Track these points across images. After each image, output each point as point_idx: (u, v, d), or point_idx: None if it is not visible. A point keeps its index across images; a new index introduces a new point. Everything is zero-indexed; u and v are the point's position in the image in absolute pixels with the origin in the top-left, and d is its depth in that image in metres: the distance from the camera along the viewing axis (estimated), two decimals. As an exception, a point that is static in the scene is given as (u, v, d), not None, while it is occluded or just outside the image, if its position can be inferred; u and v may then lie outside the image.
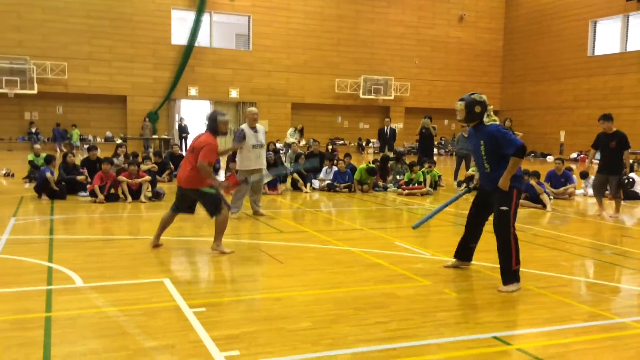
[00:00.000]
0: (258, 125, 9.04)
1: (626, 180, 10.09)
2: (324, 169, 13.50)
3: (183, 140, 28.21)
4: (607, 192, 10.77)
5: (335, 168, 13.35)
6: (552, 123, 31.79)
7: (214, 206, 6.46)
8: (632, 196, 12.86)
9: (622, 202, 12.00)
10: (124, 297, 4.88)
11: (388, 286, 5.39)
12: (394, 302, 4.88)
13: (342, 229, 8.59)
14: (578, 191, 13.26)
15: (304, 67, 30.95)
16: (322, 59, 31.20)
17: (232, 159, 9.25)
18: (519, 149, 5.18)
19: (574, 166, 17.36)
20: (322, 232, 8.18)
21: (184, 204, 6.74)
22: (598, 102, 28.79)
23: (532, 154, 31.51)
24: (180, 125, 28.90)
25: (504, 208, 5.32)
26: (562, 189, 12.78)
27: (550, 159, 29.45)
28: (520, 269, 5.44)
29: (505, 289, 5.25)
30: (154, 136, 28.03)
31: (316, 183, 13.28)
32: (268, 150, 17.78)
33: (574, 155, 29.28)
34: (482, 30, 34.51)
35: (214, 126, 6.53)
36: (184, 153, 16.55)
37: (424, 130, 15.19)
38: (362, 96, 31.64)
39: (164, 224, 6.81)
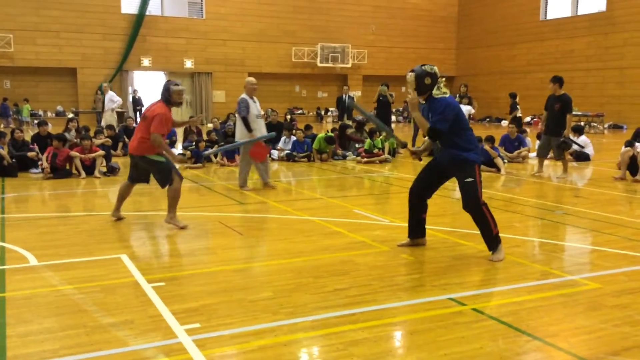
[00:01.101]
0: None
1: (564, 143, 10.38)
2: (283, 138, 13.45)
3: (137, 112, 27.61)
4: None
5: (293, 138, 13.30)
6: (506, 88, 32.20)
7: (164, 175, 6.37)
8: (583, 158, 13.25)
9: (574, 164, 12.35)
10: (80, 274, 4.80)
11: (347, 254, 5.45)
12: (353, 269, 4.94)
13: (301, 198, 8.61)
14: (531, 154, 13.57)
15: (260, 35, 30.50)
16: (278, 27, 30.78)
17: (248, 128, 8.81)
18: (429, 129, 5.07)
19: (527, 129, 17.71)
20: (282, 202, 8.18)
21: (138, 174, 6.65)
22: (551, 66, 29.33)
23: (487, 119, 32.02)
24: (134, 98, 28.25)
25: (469, 179, 5.22)
26: (515, 152, 13.08)
27: (504, 123, 29.96)
28: (474, 232, 5.55)
29: (497, 258, 5.19)
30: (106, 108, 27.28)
31: (275, 153, 13.23)
32: (227, 121, 17.61)
33: (527, 119, 29.85)
34: (437, -4, 34.55)
35: (167, 96, 6.39)
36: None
37: (381, 98, 15.23)
38: (319, 64, 31.45)
39: (122, 195, 6.75)
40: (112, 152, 12.54)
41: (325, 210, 7.62)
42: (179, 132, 16.00)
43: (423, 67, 5.28)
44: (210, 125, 18.76)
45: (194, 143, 12.96)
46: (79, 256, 5.34)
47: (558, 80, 10.27)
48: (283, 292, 4.38)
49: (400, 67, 33.19)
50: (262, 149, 8.88)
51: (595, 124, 25.22)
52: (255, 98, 9.03)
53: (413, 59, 33.64)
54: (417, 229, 5.66)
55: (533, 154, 13.72)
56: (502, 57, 32.49)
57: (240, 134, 8.92)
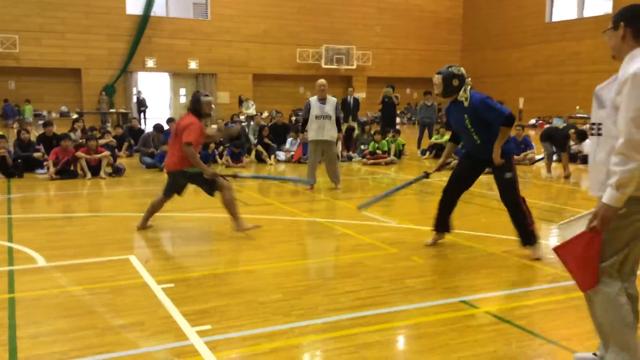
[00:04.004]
0: (330, 97, 9.10)
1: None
2: (289, 140, 13.42)
3: (142, 114, 27.63)
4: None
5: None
6: (512, 90, 32.19)
7: (208, 185, 6.11)
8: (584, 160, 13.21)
9: (581, 166, 12.31)
10: (89, 275, 4.78)
11: (356, 255, 5.42)
12: (363, 271, 4.92)
13: (308, 200, 8.57)
14: (538, 156, 13.52)
15: (264, 36, 30.47)
16: (282, 28, 30.76)
17: (302, 129, 9.18)
18: (507, 117, 5.05)
19: (532, 132, 17.66)
20: (288, 204, 8.16)
21: (176, 189, 6.32)
22: (557, 68, 29.25)
23: (492, 121, 31.97)
24: (138, 99, 28.26)
25: (508, 175, 5.25)
26: (522, 155, 13.02)
27: (509, 125, 29.87)
28: (482, 234, 5.53)
29: (534, 255, 5.20)
30: (112, 110, 27.35)
31: (281, 155, 13.20)
32: (232, 121, 17.60)
33: (532, 121, 29.79)
34: (442, -2, 34.50)
35: (198, 107, 6.12)
36: (143, 127, 16.21)
37: (386, 100, 15.20)
38: (324, 66, 31.40)
39: (154, 209, 6.38)
40: (117, 152, 12.55)
41: (332, 212, 7.59)
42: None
43: (450, 69, 5.26)
44: (214, 127, 18.75)
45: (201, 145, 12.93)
46: (87, 257, 5.32)
47: None
48: (293, 294, 4.35)
49: (404, 69, 33.16)
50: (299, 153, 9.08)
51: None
52: (328, 99, 9.09)
53: (417, 60, 33.63)
54: (446, 224, 5.69)
55: (539, 156, 13.67)
56: (509, 59, 32.39)
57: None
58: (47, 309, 4.03)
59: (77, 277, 4.71)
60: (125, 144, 13.61)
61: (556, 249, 2.95)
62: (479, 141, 5.30)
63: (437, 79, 5.27)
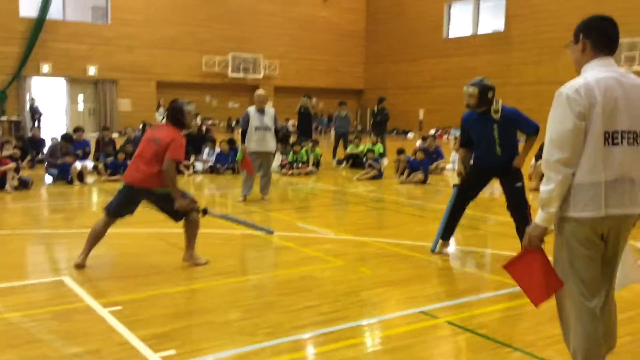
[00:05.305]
0: (268, 109, 8.90)
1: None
2: (206, 150, 13.12)
3: (36, 122, 25.95)
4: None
5: (217, 149, 13.02)
6: (412, 101, 33.44)
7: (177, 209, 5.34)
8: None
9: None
10: (24, 300, 4.39)
11: (305, 269, 5.36)
12: (316, 285, 4.87)
13: (240, 212, 8.40)
14: (448, 166, 14.08)
15: (168, 43, 29.64)
16: (187, 34, 30.07)
17: (243, 140, 8.87)
18: (538, 128, 5.45)
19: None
20: (219, 216, 7.94)
21: (129, 208, 5.46)
22: (453, 81, 30.67)
23: (395, 131, 33.00)
24: (32, 106, 26.52)
25: (519, 185, 5.57)
26: (434, 164, 13.51)
27: (410, 135, 31.06)
28: (420, 244, 5.70)
29: None
30: (3, 118, 25.47)
31: (198, 165, 12.87)
32: (142, 130, 16.92)
33: (432, 131, 31.07)
34: (345, 11, 35.22)
35: (180, 117, 5.37)
36: (42, 135, 15.18)
37: (302, 110, 15.26)
38: (230, 74, 31.04)
39: (97, 236, 5.36)
40: (20, 164, 11.66)
41: (268, 224, 7.46)
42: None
43: (483, 82, 5.48)
44: (115, 135, 18.00)
45: (109, 155, 12.34)
46: (16, 279, 4.89)
47: None
48: (253, 312, 4.23)
49: (311, 79, 33.48)
50: (248, 164, 8.74)
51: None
52: (267, 110, 8.91)
53: (323, 71, 34.11)
54: (452, 231, 5.92)
55: (449, 166, 14.27)
56: (409, 72, 33.63)
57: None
58: (-14, 341, 3.64)
59: (11, 303, 4.30)
60: (29, 157, 12.70)
61: (505, 267, 2.98)
62: (500, 152, 5.54)
63: (473, 90, 5.45)
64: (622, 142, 2.61)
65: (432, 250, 5.91)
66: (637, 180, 2.67)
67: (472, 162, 5.94)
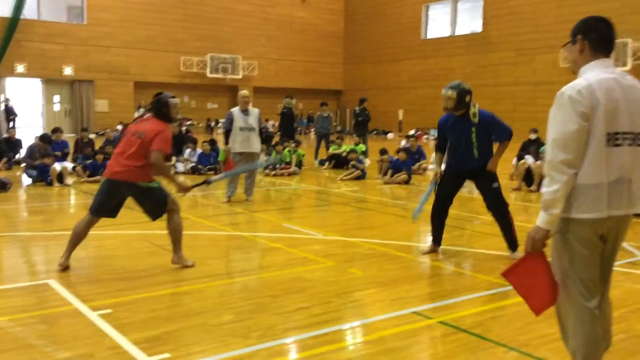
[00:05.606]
0: (252, 109, 8.90)
1: None
2: (188, 150, 13.00)
3: (11, 123, 25.48)
4: None
5: (199, 150, 12.91)
6: (391, 102, 33.58)
7: (159, 205, 5.26)
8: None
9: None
10: (10, 304, 4.29)
11: (294, 270, 5.33)
12: (308, 286, 4.85)
13: (226, 214, 8.34)
14: (430, 166, 14.15)
15: (146, 43, 29.34)
16: (165, 35, 29.81)
17: (226, 141, 8.85)
18: (511, 133, 5.63)
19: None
20: (205, 217, 7.88)
21: (113, 206, 5.31)
22: (431, 82, 30.88)
23: (375, 132, 33.11)
24: (6, 106, 26.03)
25: (495, 185, 5.68)
26: (417, 165, 13.57)
27: (390, 136, 31.18)
28: (407, 244, 5.75)
29: (516, 257, 5.55)
30: (-24, 118, 24.98)
31: (179, 166, 12.74)
32: (121, 130, 16.71)
33: (412, 132, 31.25)
34: (323, 11, 35.24)
35: (166, 111, 5.28)
36: (18, 136, 14.89)
37: (285, 110, 15.21)
38: (209, 75, 30.84)
39: (79, 236, 5.23)
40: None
41: (253, 225, 7.44)
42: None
43: (461, 85, 5.55)
44: (92, 136, 17.77)
45: (88, 157, 12.16)
46: (0, 283, 4.78)
47: None
48: (244, 313, 4.19)
49: (289, 80, 33.41)
50: (229, 166, 8.84)
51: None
52: (251, 110, 8.92)
53: (302, 71, 34.09)
54: (441, 235, 5.97)
55: (431, 166, 14.34)
56: (387, 73, 33.75)
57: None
58: (-27, 347, 3.55)
59: (-4, 308, 4.21)
60: (5, 159, 12.45)
61: (505, 275, 2.92)
62: (477, 155, 5.60)
63: (451, 93, 5.50)
64: (623, 143, 2.63)
65: (414, 218, 6.32)
66: (634, 181, 2.70)
67: (443, 167, 5.98)
